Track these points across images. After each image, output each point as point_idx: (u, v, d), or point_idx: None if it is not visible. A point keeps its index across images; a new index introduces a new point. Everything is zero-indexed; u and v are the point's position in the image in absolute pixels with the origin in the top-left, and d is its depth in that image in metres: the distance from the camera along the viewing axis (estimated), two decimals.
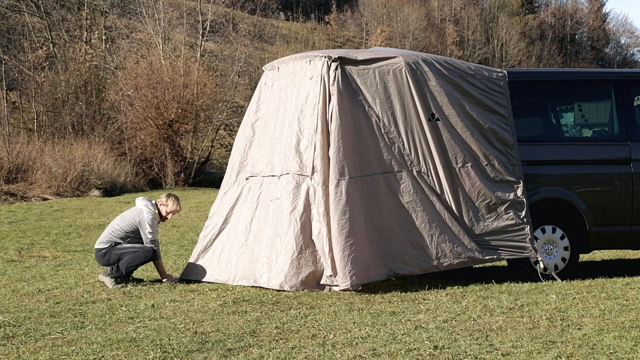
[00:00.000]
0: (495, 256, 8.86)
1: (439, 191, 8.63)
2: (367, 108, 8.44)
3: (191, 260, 9.42)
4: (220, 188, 9.71)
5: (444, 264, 8.58)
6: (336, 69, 8.36)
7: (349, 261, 8.02)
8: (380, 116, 8.49)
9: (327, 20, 67.54)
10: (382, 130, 8.48)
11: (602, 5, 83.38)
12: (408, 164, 8.54)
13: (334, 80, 8.33)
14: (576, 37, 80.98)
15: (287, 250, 8.31)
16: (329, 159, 8.20)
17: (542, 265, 8.98)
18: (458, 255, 8.61)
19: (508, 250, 8.85)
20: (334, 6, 66.51)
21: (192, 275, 9.20)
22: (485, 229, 8.78)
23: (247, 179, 9.26)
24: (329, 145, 8.25)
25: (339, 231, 8.06)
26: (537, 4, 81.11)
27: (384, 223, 8.35)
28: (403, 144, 8.55)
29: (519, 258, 8.98)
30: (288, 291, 8.23)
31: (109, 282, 9.00)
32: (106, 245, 9.19)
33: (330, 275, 8.19)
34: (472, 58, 60.99)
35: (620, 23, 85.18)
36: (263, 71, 9.66)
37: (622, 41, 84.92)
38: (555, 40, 74.43)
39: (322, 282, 8.24)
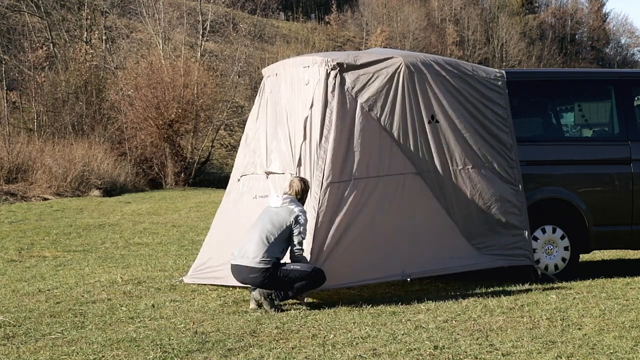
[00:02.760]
0: (492, 262, 8.81)
1: (438, 194, 8.60)
2: (366, 111, 8.40)
3: (196, 263, 9.42)
4: (225, 193, 9.71)
5: (445, 268, 8.56)
6: (336, 75, 8.33)
7: (323, 263, 7.89)
8: (380, 119, 8.44)
9: (327, 20, 67.50)
10: (382, 133, 8.43)
11: (602, 5, 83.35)
12: (408, 166, 8.50)
13: (333, 86, 8.30)
14: (576, 37, 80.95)
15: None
16: (325, 161, 8.16)
17: (540, 271, 8.97)
18: (458, 260, 8.58)
19: (505, 256, 8.81)
20: (334, 6, 66.48)
21: (197, 278, 9.19)
22: (483, 232, 8.74)
23: (238, 180, 9.30)
24: (325, 149, 8.20)
25: (330, 233, 8.02)
26: (537, 4, 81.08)
27: (385, 226, 8.32)
28: (403, 147, 8.51)
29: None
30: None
31: (268, 305, 7.60)
32: (268, 265, 7.56)
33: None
34: (472, 58, 60.97)
35: (620, 23, 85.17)
36: (263, 74, 9.65)
37: (622, 41, 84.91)
38: (556, 40, 74.40)
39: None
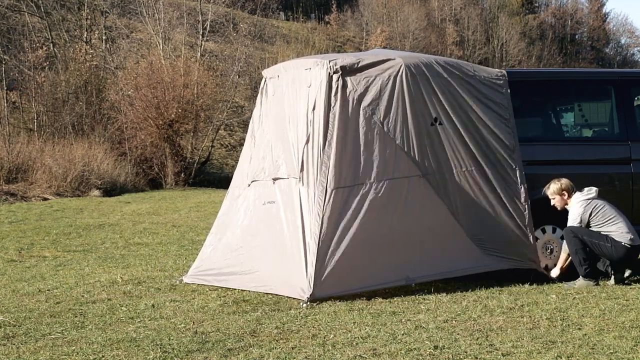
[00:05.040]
0: (497, 264, 8.77)
1: (442, 196, 8.56)
2: (369, 115, 8.36)
3: (196, 264, 9.41)
4: (227, 196, 9.67)
5: (449, 271, 8.53)
6: (338, 79, 8.30)
7: (328, 269, 7.88)
8: (383, 122, 8.40)
9: (327, 20, 67.53)
10: (385, 137, 8.38)
11: (602, 5, 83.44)
12: (412, 169, 8.46)
13: (336, 90, 8.27)
14: (576, 37, 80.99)
15: (287, 255, 8.26)
16: (328, 166, 8.14)
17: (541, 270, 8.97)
18: (462, 262, 8.55)
19: (510, 259, 8.78)
20: (334, 6, 66.51)
21: (197, 278, 9.18)
22: (488, 235, 8.70)
23: (248, 185, 9.26)
24: (328, 154, 8.17)
25: (335, 238, 8.00)
26: (537, 4, 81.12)
27: (390, 230, 8.28)
28: (406, 149, 8.47)
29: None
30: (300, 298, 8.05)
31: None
32: None
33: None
34: (472, 58, 60.97)
35: (620, 23, 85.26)
36: (263, 75, 9.60)
37: (622, 41, 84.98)
38: (556, 40, 74.44)
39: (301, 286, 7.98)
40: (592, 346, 5.87)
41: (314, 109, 8.34)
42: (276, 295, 8.22)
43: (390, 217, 8.28)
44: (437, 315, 7.10)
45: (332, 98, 8.26)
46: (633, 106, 9.74)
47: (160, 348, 6.11)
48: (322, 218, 7.95)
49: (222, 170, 37.67)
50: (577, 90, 10.21)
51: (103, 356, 5.95)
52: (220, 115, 36.30)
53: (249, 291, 8.46)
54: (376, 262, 8.16)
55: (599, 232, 8.59)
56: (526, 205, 8.85)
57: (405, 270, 8.24)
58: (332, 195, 8.03)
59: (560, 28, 78.29)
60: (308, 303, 7.68)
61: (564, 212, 9.31)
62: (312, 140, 8.29)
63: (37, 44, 35.19)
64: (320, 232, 7.91)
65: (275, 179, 8.74)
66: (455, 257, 8.52)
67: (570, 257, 8.74)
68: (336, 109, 8.23)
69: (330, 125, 8.20)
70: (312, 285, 7.78)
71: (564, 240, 8.73)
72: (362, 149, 8.27)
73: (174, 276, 9.79)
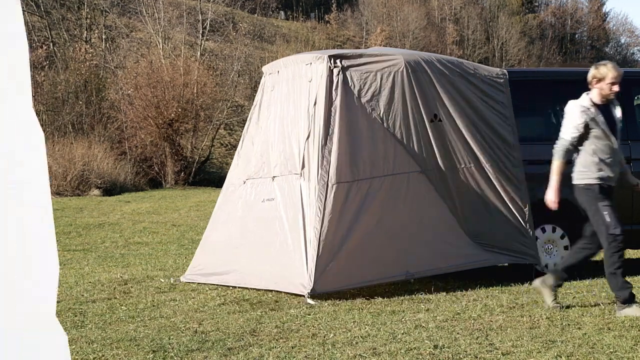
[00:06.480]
0: (496, 259, 8.80)
1: (442, 192, 8.58)
2: (369, 110, 8.39)
3: (193, 263, 9.41)
4: (222, 193, 9.66)
5: (449, 266, 8.55)
6: (338, 73, 8.31)
7: (329, 264, 7.90)
8: (383, 118, 8.44)
9: (327, 19, 67.45)
10: (386, 132, 8.41)
11: (602, 5, 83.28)
12: (412, 165, 8.49)
13: (336, 84, 8.29)
14: (576, 36, 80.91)
15: (288, 251, 8.26)
16: (329, 162, 8.14)
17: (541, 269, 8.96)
18: (462, 258, 8.57)
19: (510, 255, 8.81)
20: (334, 5, 66.45)
21: (196, 277, 9.19)
22: (487, 231, 8.72)
23: (244, 182, 9.25)
24: (329, 149, 8.19)
25: (335, 234, 8.00)
26: (537, 4, 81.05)
27: (391, 225, 8.29)
28: (406, 145, 8.49)
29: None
30: (301, 295, 8.06)
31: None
32: None
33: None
34: (472, 57, 60.91)
35: (620, 22, 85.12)
36: (263, 71, 9.61)
37: (622, 40, 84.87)
38: (555, 40, 74.37)
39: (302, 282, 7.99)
40: (591, 345, 5.87)
41: (315, 104, 8.34)
42: (276, 294, 8.22)
43: (390, 212, 8.29)
44: (436, 314, 7.10)
45: (333, 93, 8.27)
46: (633, 106, 9.73)
47: (160, 347, 6.11)
48: (323, 213, 7.96)
49: (222, 170, 37.61)
50: (577, 90, 10.19)
51: (103, 355, 5.95)
52: (220, 115, 36.28)
53: (249, 290, 8.46)
54: (376, 257, 8.17)
55: None
56: (526, 202, 8.85)
57: (405, 265, 8.26)
58: (333, 191, 8.04)
59: (560, 27, 78.22)
60: (309, 300, 7.69)
61: (564, 212, 9.30)
62: (313, 136, 8.30)
63: (37, 43, 35.16)
64: (321, 226, 7.93)
65: (274, 177, 8.75)
66: (455, 252, 8.54)
67: None
68: (337, 103, 8.24)
69: (331, 120, 8.21)
70: (312, 280, 7.78)
71: None
72: (362, 144, 8.28)
73: (174, 275, 9.78)
